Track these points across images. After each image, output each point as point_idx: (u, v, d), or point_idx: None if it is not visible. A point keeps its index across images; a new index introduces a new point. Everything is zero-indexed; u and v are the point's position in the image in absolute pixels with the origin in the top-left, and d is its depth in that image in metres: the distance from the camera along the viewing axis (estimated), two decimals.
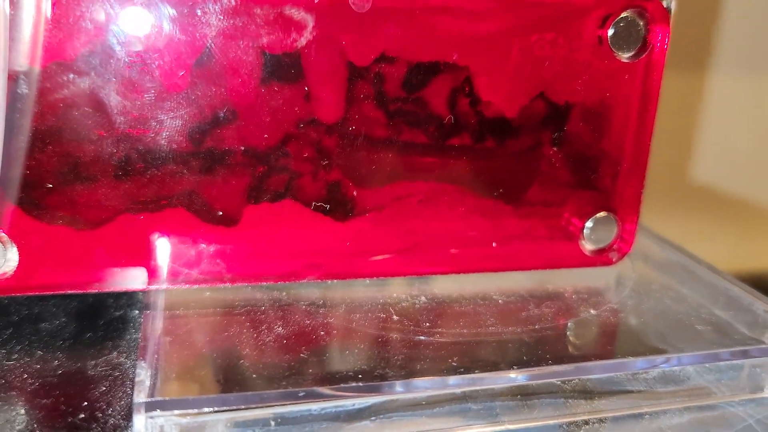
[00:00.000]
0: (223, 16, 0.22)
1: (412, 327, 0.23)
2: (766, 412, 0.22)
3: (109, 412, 0.19)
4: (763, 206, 0.53)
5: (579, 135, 0.26)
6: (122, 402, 0.20)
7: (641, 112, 0.26)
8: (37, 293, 0.23)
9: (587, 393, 0.22)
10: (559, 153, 0.26)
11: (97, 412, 0.19)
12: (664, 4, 0.25)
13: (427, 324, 0.24)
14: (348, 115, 0.24)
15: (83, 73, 0.21)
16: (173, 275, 0.24)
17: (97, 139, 0.22)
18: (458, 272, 0.27)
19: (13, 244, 0.22)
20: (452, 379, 0.21)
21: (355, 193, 0.25)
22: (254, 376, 0.20)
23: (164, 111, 0.22)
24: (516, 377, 0.21)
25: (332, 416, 0.19)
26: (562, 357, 0.22)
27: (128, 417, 0.19)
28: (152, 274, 0.23)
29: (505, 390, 0.21)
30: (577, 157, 0.26)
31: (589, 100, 0.26)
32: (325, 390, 0.19)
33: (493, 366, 0.21)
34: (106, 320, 0.24)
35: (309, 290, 0.26)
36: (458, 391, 0.21)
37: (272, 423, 0.19)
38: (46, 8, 0.20)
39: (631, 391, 0.22)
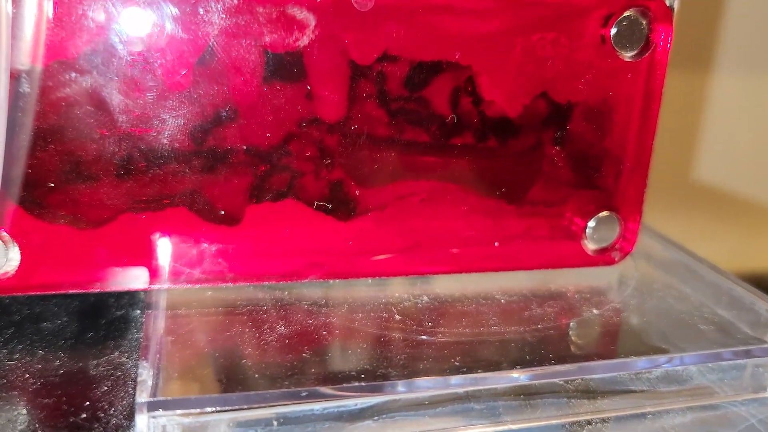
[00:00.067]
0: (226, 15, 0.22)
1: (414, 326, 0.23)
2: None
3: (111, 411, 0.19)
4: (766, 205, 0.53)
5: (581, 134, 0.26)
6: (124, 402, 0.20)
7: (644, 111, 0.26)
8: (38, 293, 0.23)
9: (590, 393, 0.22)
10: (562, 152, 0.26)
11: (99, 412, 0.19)
12: (667, 3, 0.25)
13: (430, 323, 0.24)
14: (350, 114, 0.24)
15: (85, 72, 0.21)
16: (175, 275, 0.24)
17: (99, 138, 0.22)
18: (460, 272, 0.27)
19: (15, 244, 0.22)
20: (455, 379, 0.20)
21: (357, 192, 0.24)
22: (256, 375, 0.20)
23: (166, 110, 0.22)
24: (518, 377, 0.21)
25: (335, 416, 0.19)
26: (564, 357, 0.22)
27: (130, 417, 0.19)
28: (154, 273, 0.23)
29: (508, 390, 0.21)
30: (579, 156, 0.26)
31: (591, 100, 0.26)
32: (327, 390, 0.19)
33: (495, 366, 0.21)
34: (108, 320, 0.24)
35: (311, 290, 0.26)
36: (461, 390, 0.21)
37: (275, 423, 0.19)
38: (48, 7, 0.20)
39: (634, 391, 0.22)
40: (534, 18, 0.24)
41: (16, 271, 0.22)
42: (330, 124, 0.24)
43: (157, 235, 0.23)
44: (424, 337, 0.23)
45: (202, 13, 0.21)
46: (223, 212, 0.23)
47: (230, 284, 0.24)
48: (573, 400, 0.21)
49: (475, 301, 0.26)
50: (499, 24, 0.24)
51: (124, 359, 0.22)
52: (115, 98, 0.21)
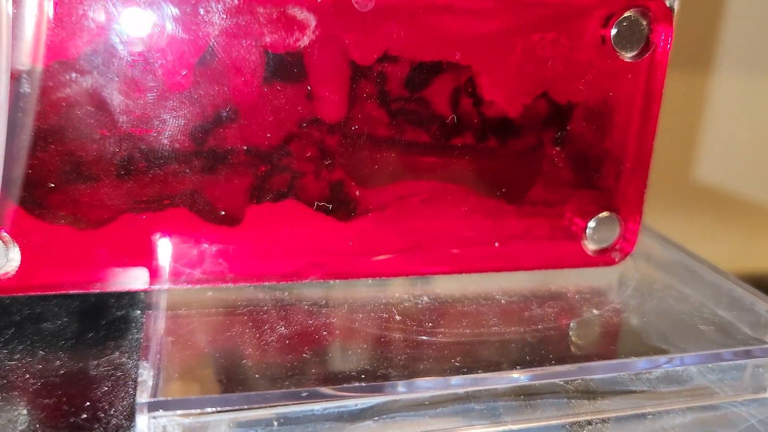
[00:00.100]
0: (226, 15, 0.22)
1: (414, 327, 0.23)
2: None
3: (112, 412, 0.19)
4: (766, 206, 0.53)
5: (582, 135, 0.26)
6: (124, 402, 0.20)
7: (644, 111, 0.26)
8: (39, 293, 0.23)
9: (590, 393, 0.22)
10: (562, 153, 0.26)
11: (99, 413, 0.19)
12: (667, 3, 0.25)
13: (430, 324, 0.24)
14: (351, 115, 0.24)
15: (86, 72, 0.21)
16: (175, 275, 0.24)
17: (99, 139, 0.22)
18: (461, 272, 0.27)
19: (16, 244, 0.22)
20: (455, 380, 0.20)
21: (357, 192, 0.25)
22: (257, 376, 0.20)
23: (167, 110, 0.22)
24: (519, 377, 0.21)
25: (335, 416, 0.19)
26: (564, 357, 0.22)
27: (131, 417, 0.19)
28: (154, 273, 0.23)
29: (508, 390, 0.21)
30: (579, 156, 0.26)
31: (591, 100, 0.26)
32: (327, 390, 0.19)
33: (495, 366, 0.21)
34: (108, 320, 0.24)
35: (311, 290, 0.26)
36: (461, 391, 0.21)
37: (275, 423, 0.19)
38: (49, 7, 0.20)
39: (634, 391, 0.22)
40: (534, 18, 0.24)
41: (17, 271, 0.22)
42: (330, 124, 0.24)
43: (158, 235, 0.23)
44: (424, 337, 0.23)
45: (202, 13, 0.21)
46: (223, 213, 0.23)
47: (230, 285, 0.24)
48: (573, 401, 0.21)
49: (476, 301, 0.26)
50: (499, 24, 0.24)
51: (124, 359, 0.22)
52: (116, 98, 0.21)
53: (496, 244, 0.27)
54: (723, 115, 0.51)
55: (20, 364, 0.21)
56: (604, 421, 0.21)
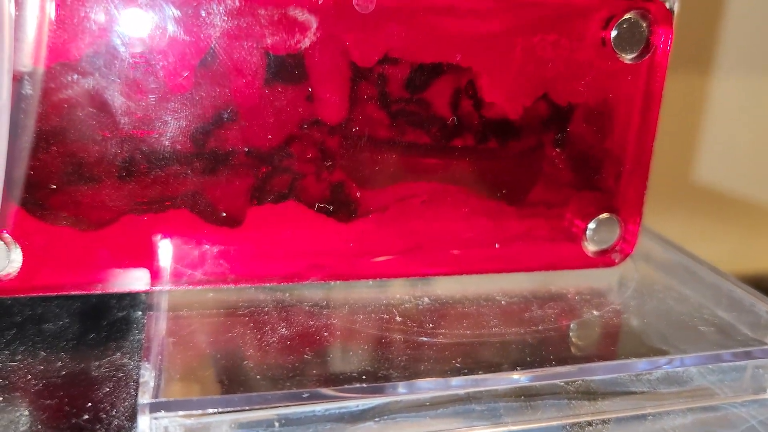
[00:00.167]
0: (227, 17, 0.22)
1: (415, 328, 0.23)
2: None
3: (113, 413, 0.19)
4: (765, 206, 0.53)
5: (582, 136, 0.26)
6: (126, 403, 0.20)
7: (644, 113, 0.26)
8: (40, 294, 0.23)
9: (590, 394, 0.22)
10: (562, 154, 0.26)
11: (101, 413, 0.19)
12: (667, 5, 0.25)
13: (431, 325, 0.24)
14: (351, 116, 0.24)
15: (87, 74, 0.21)
16: (176, 276, 0.24)
17: (101, 140, 0.22)
18: (461, 273, 0.27)
19: (17, 245, 0.22)
20: (456, 381, 0.21)
21: (358, 194, 0.25)
22: (258, 377, 0.20)
23: (168, 112, 0.22)
24: (519, 378, 0.21)
25: (336, 417, 0.19)
26: (565, 358, 0.22)
27: (132, 418, 0.19)
28: (155, 275, 0.23)
29: (509, 391, 0.21)
30: (579, 158, 0.26)
31: (592, 102, 0.26)
32: (329, 391, 0.19)
33: (496, 367, 0.21)
34: (109, 321, 0.24)
35: (312, 291, 0.26)
36: (462, 392, 0.21)
37: (276, 424, 0.19)
38: (51, 9, 0.20)
39: (634, 392, 0.22)
40: (534, 20, 0.24)
41: (19, 272, 0.22)
42: (331, 125, 0.24)
43: (159, 236, 0.23)
44: (425, 338, 0.23)
45: (203, 15, 0.21)
46: (224, 214, 0.23)
47: (232, 286, 0.24)
48: (573, 402, 0.21)
49: (476, 302, 0.26)
50: (499, 26, 0.24)
51: (125, 360, 0.22)
52: (117, 100, 0.21)
53: (497, 246, 0.27)
54: (723, 116, 0.51)
55: (22, 365, 0.21)
56: (604, 422, 0.21)
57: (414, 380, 0.20)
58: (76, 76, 0.21)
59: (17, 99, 0.21)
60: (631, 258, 0.28)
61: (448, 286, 0.27)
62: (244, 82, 0.22)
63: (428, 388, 0.20)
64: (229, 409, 0.19)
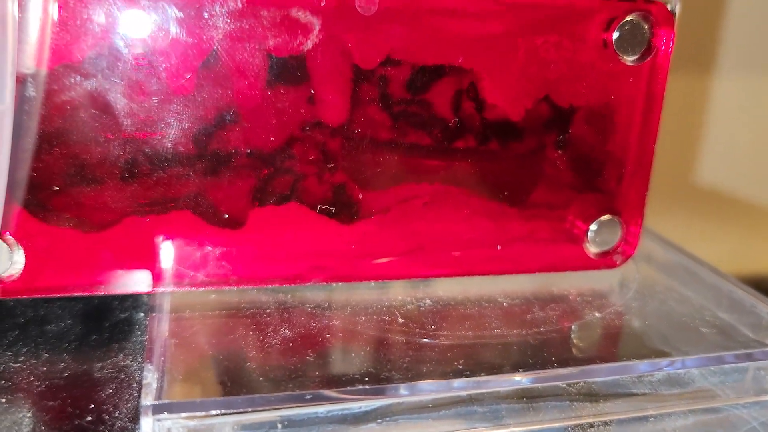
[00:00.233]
0: (230, 19, 0.22)
1: (417, 330, 0.23)
2: None
3: (116, 414, 0.19)
4: (766, 207, 0.53)
5: (583, 138, 0.26)
6: (129, 404, 0.20)
7: (646, 115, 0.26)
8: (43, 295, 0.23)
9: (592, 396, 0.22)
10: (564, 156, 0.26)
11: (104, 415, 0.19)
12: (669, 7, 0.25)
13: (433, 327, 0.24)
14: (353, 118, 0.24)
15: (90, 76, 0.21)
16: (179, 278, 0.24)
17: (103, 142, 0.22)
18: (463, 275, 0.27)
19: (20, 247, 0.22)
20: (457, 382, 0.21)
21: (360, 195, 0.25)
22: (261, 378, 0.20)
23: (171, 113, 0.22)
24: (521, 380, 0.21)
25: (338, 419, 0.19)
26: (567, 360, 0.22)
27: (135, 419, 0.19)
28: (158, 276, 0.24)
29: (511, 393, 0.21)
30: (581, 160, 0.26)
31: (593, 103, 0.26)
32: (331, 393, 0.19)
33: (498, 369, 0.21)
34: (112, 322, 0.24)
35: (314, 293, 0.26)
36: (464, 394, 0.21)
37: (279, 426, 0.19)
38: (54, 11, 0.20)
39: (636, 394, 0.22)
40: (536, 22, 0.24)
41: (21, 273, 0.22)
42: (333, 127, 0.24)
43: (161, 238, 0.23)
44: (426, 340, 0.23)
45: (206, 17, 0.22)
46: (226, 215, 0.24)
47: (234, 287, 0.24)
48: (575, 403, 0.22)
49: (478, 304, 0.26)
50: (501, 27, 0.24)
51: (128, 362, 0.22)
52: (120, 102, 0.22)
53: (498, 247, 0.27)
54: (724, 117, 0.51)
55: (25, 366, 0.22)
56: (606, 423, 0.21)
57: (416, 382, 0.20)
58: (78, 78, 0.21)
59: (20, 101, 0.21)
60: (633, 259, 0.28)
61: (449, 288, 0.27)
62: (247, 84, 0.22)
63: (430, 389, 0.20)
64: (231, 410, 0.19)
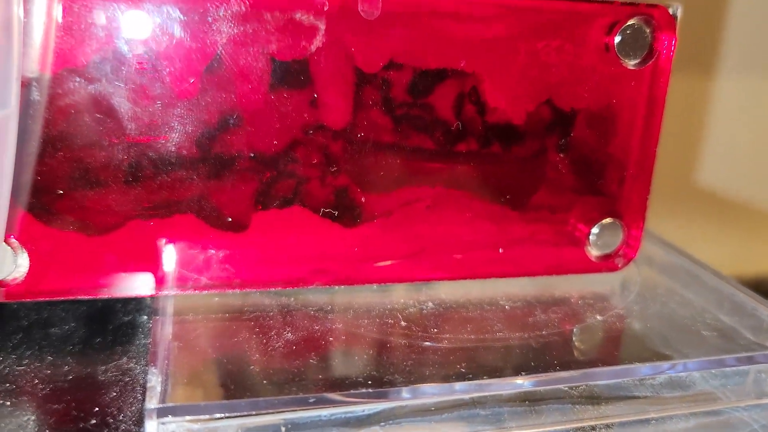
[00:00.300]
0: (233, 23, 0.22)
1: (419, 333, 0.24)
2: None
3: (121, 417, 0.20)
4: (767, 209, 0.53)
5: (585, 141, 0.26)
6: (133, 407, 0.20)
7: (647, 118, 0.26)
8: (47, 298, 0.23)
9: (594, 398, 0.22)
10: (566, 159, 0.26)
11: (108, 418, 0.20)
12: (671, 11, 0.25)
13: (435, 330, 0.24)
14: (356, 121, 0.24)
15: (94, 80, 0.21)
16: (182, 281, 0.24)
17: (107, 146, 0.22)
18: (465, 278, 0.27)
19: (24, 250, 0.22)
20: (460, 385, 0.21)
21: (362, 198, 0.25)
22: (264, 381, 0.20)
23: (175, 117, 0.22)
24: (523, 383, 0.21)
25: (342, 422, 0.20)
26: (569, 363, 0.22)
27: (139, 422, 0.19)
28: (161, 279, 0.24)
29: (513, 396, 0.21)
30: (583, 163, 0.27)
31: (595, 107, 0.26)
32: (334, 396, 0.19)
33: (500, 372, 0.22)
34: (115, 325, 0.24)
35: (317, 296, 0.26)
36: (466, 397, 0.21)
37: (282, 428, 0.19)
38: (58, 15, 0.21)
39: (638, 397, 0.22)
40: (538, 26, 0.24)
41: (25, 277, 0.22)
42: (336, 131, 0.24)
43: (165, 241, 0.23)
44: (429, 343, 0.23)
45: (210, 21, 0.22)
46: (230, 219, 0.24)
47: (237, 290, 0.25)
48: (577, 406, 0.22)
49: (480, 307, 0.26)
50: (503, 31, 0.24)
51: (132, 365, 0.22)
52: (124, 106, 0.22)
53: (500, 250, 0.27)
54: (725, 118, 0.51)
55: (29, 369, 0.22)
56: (607, 426, 0.21)
57: (419, 385, 0.20)
58: (83, 82, 0.21)
59: (25, 105, 0.21)
60: (634, 262, 0.29)
61: (452, 291, 0.27)
62: (250, 88, 0.23)
63: (433, 392, 0.20)
64: (235, 413, 0.19)
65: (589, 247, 0.28)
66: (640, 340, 0.25)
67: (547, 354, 0.23)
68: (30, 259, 0.22)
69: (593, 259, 0.28)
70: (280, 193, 0.24)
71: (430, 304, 0.26)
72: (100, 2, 0.21)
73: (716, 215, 0.53)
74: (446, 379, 0.21)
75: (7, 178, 0.20)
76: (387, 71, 0.24)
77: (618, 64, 0.25)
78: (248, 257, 0.24)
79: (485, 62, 0.24)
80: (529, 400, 0.21)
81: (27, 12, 0.20)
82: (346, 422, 0.20)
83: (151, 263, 0.23)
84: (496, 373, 0.21)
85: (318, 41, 0.23)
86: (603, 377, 0.22)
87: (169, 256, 0.23)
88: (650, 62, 0.26)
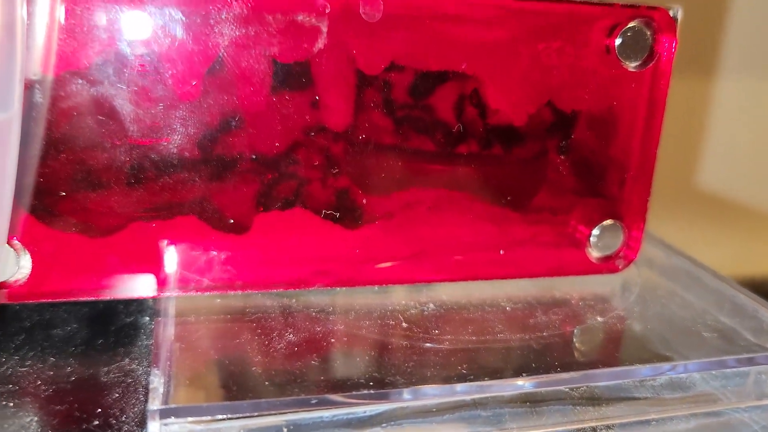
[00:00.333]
0: (235, 26, 0.22)
1: (421, 334, 0.24)
2: None
3: (123, 418, 0.20)
4: (767, 211, 0.53)
5: (586, 143, 0.26)
6: (135, 408, 0.20)
7: (648, 120, 0.26)
8: (49, 300, 0.23)
9: (595, 400, 0.22)
10: (566, 161, 0.26)
11: (111, 419, 0.20)
12: (671, 13, 0.25)
13: (436, 331, 0.24)
14: (357, 123, 0.24)
15: (96, 82, 0.21)
16: (184, 282, 0.24)
17: (110, 148, 0.22)
18: (466, 279, 0.27)
19: (26, 251, 0.22)
20: (461, 387, 0.21)
21: (364, 200, 0.25)
22: (266, 383, 0.20)
23: (176, 119, 0.22)
24: (524, 384, 0.21)
25: (343, 423, 0.20)
26: (569, 364, 0.22)
27: (142, 424, 0.19)
28: (163, 281, 0.24)
29: (514, 397, 0.21)
30: (583, 165, 0.27)
31: (596, 109, 0.26)
32: (337, 397, 0.19)
33: (501, 373, 0.22)
34: (117, 327, 0.25)
35: (318, 297, 0.26)
36: (467, 398, 0.21)
37: (284, 430, 0.19)
38: (60, 17, 0.21)
39: (638, 398, 0.22)
40: (539, 28, 0.25)
41: (28, 278, 0.22)
42: (337, 132, 0.24)
43: (167, 243, 0.23)
44: (430, 344, 0.23)
45: (212, 23, 0.22)
46: (232, 221, 0.24)
47: (239, 292, 0.25)
48: (578, 407, 0.22)
49: (481, 308, 0.26)
50: (504, 33, 0.24)
51: (134, 366, 0.22)
52: (126, 108, 0.22)
53: (501, 252, 0.27)
54: (725, 120, 0.51)
55: (31, 371, 0.22)
56: (608, 427, 0.21)
57: (420, 386, 0.20)
58: (85, 84, 0.21)
59: (27, 107, 0.21)
60: (634, 263, 0.29)
61: (453, 292, 0.27)
62: (252, 90, 0.23)
63: (434, 394, 0.21)
64: (237, 414, 0.19)
65: (589, 249, 0.28)
66: (640, 342, 0.25)
67: (547, 355, 0.23)
68: (32, 261, 0.22)
69: (594, 261, 0.28)
70: (282, 194, 0.24)
71: (432, 305, 0.26)
72: (102, 4, 0.21)
73: (717, 217, 0.53)
74: (447, 380, 0.21)
75: (9, 180, 0.20)
76: (388, 73, 0.24)
77: (619, 66, 0.26)
78: (250, 259, 0.24)
79: (486, 64, 0.25)
80: (530, 402, 0.21)
81: (30, 14, 0.20)
82: (348, 423, 0.20)
83: (153, 265, 0.23)
84: (497, 374, 0.21)
85: (320, 43, 0.23)
86: (604, 378, 0.22)
87: (171, 257, 0.24)
88: (651, 64, 0.26)
